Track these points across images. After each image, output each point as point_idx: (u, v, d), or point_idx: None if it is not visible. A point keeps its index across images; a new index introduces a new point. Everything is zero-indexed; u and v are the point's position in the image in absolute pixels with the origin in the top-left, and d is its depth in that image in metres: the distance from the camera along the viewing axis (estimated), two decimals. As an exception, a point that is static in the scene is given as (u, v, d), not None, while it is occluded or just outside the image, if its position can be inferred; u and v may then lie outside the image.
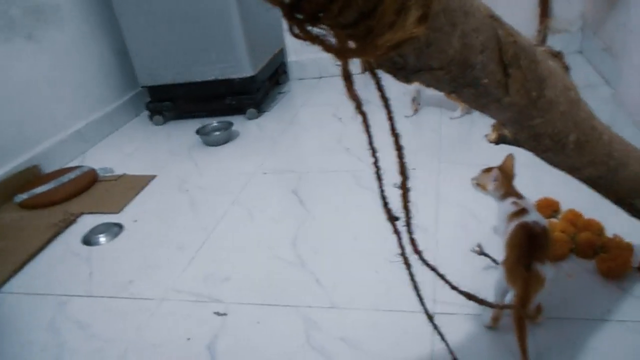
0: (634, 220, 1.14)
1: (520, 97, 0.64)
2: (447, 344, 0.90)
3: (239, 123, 2.46)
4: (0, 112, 2.05)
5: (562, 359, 1.01)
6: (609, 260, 1.17)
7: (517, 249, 1.06)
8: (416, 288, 0.80)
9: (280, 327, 1.22)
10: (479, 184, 1.26)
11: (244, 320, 1.26)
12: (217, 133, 2.34)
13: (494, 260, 1.28)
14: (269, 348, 1.16)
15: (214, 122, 2.44)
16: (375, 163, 0.70)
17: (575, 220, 1.35)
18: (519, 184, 1.63)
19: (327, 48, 0.49)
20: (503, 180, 1.22)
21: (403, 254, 0.80)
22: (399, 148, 0.68)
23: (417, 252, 0.75)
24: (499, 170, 1.23)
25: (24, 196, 1.96)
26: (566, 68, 0.76)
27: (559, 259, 1.26)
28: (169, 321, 1.29)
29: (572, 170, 0.89)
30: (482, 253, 1.31)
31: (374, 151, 0.69)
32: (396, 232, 0.74)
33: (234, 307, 1.31)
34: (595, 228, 1.30)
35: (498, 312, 1.09)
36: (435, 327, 0.86)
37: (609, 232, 1.29)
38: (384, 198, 0.73)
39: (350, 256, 1.43)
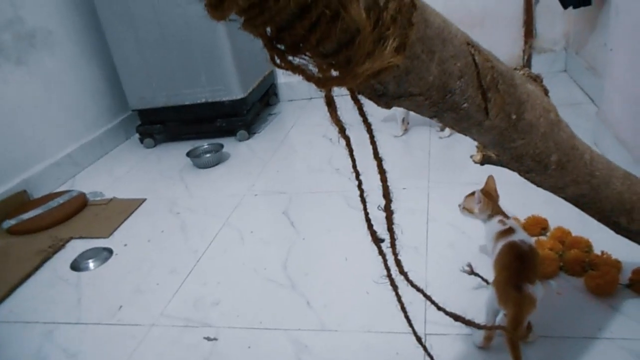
0: (621, 237, 1.15)
1: (500, 120, 0.65)
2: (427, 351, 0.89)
3: (229, 145, 2.47)
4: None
5: (554, 379, 1.00)
6: (598, 278, 1.18)
7: (506, 269, 1.06)
8: (403, 309, 0.80)
9: (271, 351, 1.21)
10: (466, 208, 1.29)
11: (234, 345, 1.24)
12: (208, 155, 2.35)
13: (484, 280, 1.28)
14: (259, 373, 1.15)
15: (204, 144, 2.45)
16: (359, 186, 0.70)
17: (563, 237, 1.36)
18: (507, 202, 1.65)
19: (308, 77, 0.50)
20: (487, 201, 1.24)
21: (389, 276, 0.80)
22: (382, 172, 0.68)
23: (403, 273, 0.75)
24: (482, 192, 1.25)
25: (11, 222, 1.94)
26: (545, 91, 0.78)
27: (548, 277, 1.26)
28: (158, 348, 1.28)
29: (556, 189, 0.90)
30: (472, 273, 1.31)
31: (357, 174, 0.70)
32: (381, 253, 0.74)
33: (224, 331, 1.29)
34: (583, 245, 1.31)
35: (490, 332, 1.09)
36: (425, 349, 0.86)
37: (597, 249, 1.30)
38: (368, 220, 0.74)
39: (341, 277, 1.42)
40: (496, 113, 0.64)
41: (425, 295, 0.80)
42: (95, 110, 2.65)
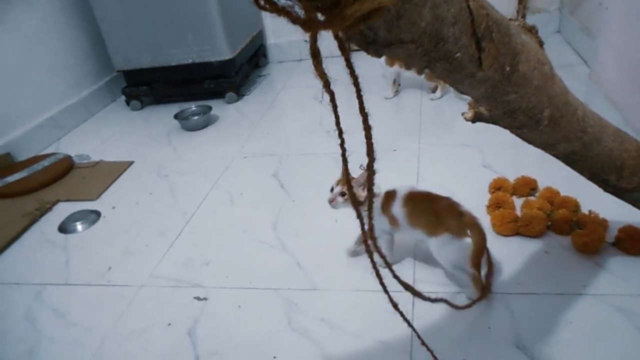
0: (609, 196, 1.15)
1: (494, 71, 0.63)
2: (414, 329, 0.90)
3: (218, 107, 2.43)
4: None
5: (540, 334, 1.02)
6: (584, 236, 1.19)
7: (433, 212, 1.13)
8: (378, 276, 0.79)
9: (261, 310, 1.21)
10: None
11: (224, 305, 1.25)
12: (196, 117, 2.30)
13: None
14: (250, 331, 1.16)
15: (192, 106, 2.40)
16: (342, 144, 0.68)
17: (552, 197, 1.37)
18: (497, 163, 1.65)
19: (294, 20, 0.47)
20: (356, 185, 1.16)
21: (365, 242, 0.79)
22: (367, 128, 0.66)
23: (372, 238, 0.74)
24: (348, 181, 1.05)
25: (-4, 185, 1.91)
26: (540, 43, 0.76)
27: (536, 236, 1.27)
28: (148, 308, 1.28)
29: (547, 146, 0.89)
30: None
31: (340, 131, 0.67)
32: (359, 217, 0.73)
33: (214, 291, 1.30)
34: (572, 205, 1.32)
35: (476, 279, 1.11)
36: (402, 314, 0.86)
37: (585, 209, 1.31)
38: (348, 182, 0.73)
39: (331, 238, 1.42)
40: (490, 64, 0.62)
41: (386, 263, 0.79)
42: (78, 71, 2.57)
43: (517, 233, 1.29)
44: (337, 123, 0.68)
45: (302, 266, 1.34)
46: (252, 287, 1.29)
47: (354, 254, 1.31)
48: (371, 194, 0.73)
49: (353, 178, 1.14)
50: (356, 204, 0.75)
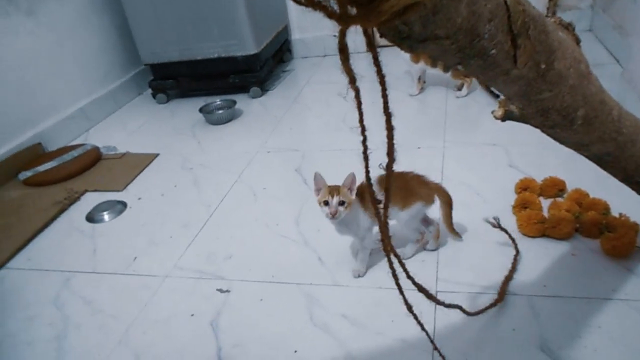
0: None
1: (529, 69, 0.62)
2: (427, 333, 0.90)
3: (242, 101, 2.44)
4: (0, 89, 2.03)
5: (566, 338, 1.00)
6: (614, 240, 1.16)
7: (404, 186, 1.18)
8: (394, 276, 0.78)
9: (283, 304, 1.22)
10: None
11: (246, 298, 1.26)
12: (221, 111, 2.32)
13: (511, 238, 1.26)
14: (271, 324, 1.17)
15: (217, 100, 2.42)
16: (364, 141, 0.67)
17: (580, 199, 1.34)
18: (524, 163, 1.62)
19: (329, 14, 0.47)
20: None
21: (383, 240, 0.78)
22: (389, 128, 0.65)
23: (385, 237, 0.73)
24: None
25: (28, 173, 1.96)
26: (577, 40, 0.74)
27: (564, 238, 1.25)
28: (172, 298, 1.30)
29: (580, 146, 0.87)
30: (498, 226, 1.29)
31: (363, 129, 0.67)
32: (377, 215, 0.72)
33: (237, 284, 1.31)
34: (601, 207, 1.29)
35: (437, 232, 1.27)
36: (415, 317, 0.85)
37: (615, 211, 1.28)
38: (368, 180, 0.71)
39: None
40: (525, 61, 0.61)
41: (400, 260, 0.78)
42: (107, 64, 2.62)
43: (543, 234, 1.27)
44: (361, 120, 0.68)
45: (324, 262, 1.34)
46: (274, 281, 1.30)
47: (356, 273, 1.26)
48: (389, 195, 0.72)
49: (335, 186, 1.18)
50: (374, 202, 0.74)
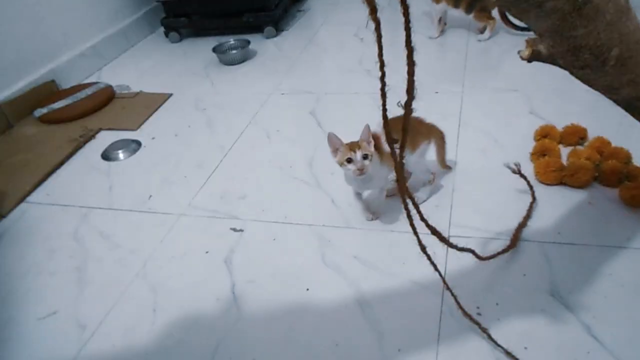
0: (665, 148, 1.09)
1: (565, 1, 0.58)
2: (440, 274, 0.90)
3: (256, 42, 2.38)
4: (12, 26, 1.99)
5: (576, 284, 1.01)
6: (634, 189, 1.14)
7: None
8: (409, 217, 0.78)
9: (295, 244, 1.24)
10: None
11: (259, 237, 1.28)
12: (234, 51, 2.27)
13: (530, 185, 1.24)
14: (284, 263, 1.19)
15: (230, 40, 2.36)
16: (382, 77, 0.65)
17: (602, 147, 1.30)
18: (546, 110, 1.57)
19: None
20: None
21: (398, 181, 0.77)
22: (411, 63, 0.62)
23: (401, 179, 0.72)
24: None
25: (43, 110, 1.96)
26: (617, -28, 0.69)
27: (582, 186, 1.23)
28: (187, 235, 1.32)
29: (609, 90, 0.84)
30: (518, 172, 1.26)
31: (382, 64, 0.64)
32: (393, 155, 0.71)
33: (250, 224, 1.33)
34: (623, 156, 1.26)
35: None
36: (429, 257, 0.86)
37: (638, 161, 1.25)
38: (385, 118, 0.69)
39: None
40: (561, -8, 0.57)
41: (414, 202, 0.77)
42: (118, 1, 2.55)
43: (561, 182, 1.25)
44: (380, 54, 0.65)
45: (337, 204, 1.34)
46: (287, 222, 1.31)
47: (370, 217, 1.27)
48: (405, 135, 0.70)
49: (354, 142, 1.13)
50: (391, 142, 0.72)
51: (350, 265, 1.15)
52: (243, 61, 2.25)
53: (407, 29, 0.56)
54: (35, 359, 1.05)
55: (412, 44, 0.58)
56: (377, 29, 0.58)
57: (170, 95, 2.05)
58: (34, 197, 1.56)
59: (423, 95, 1.76)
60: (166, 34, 2.60)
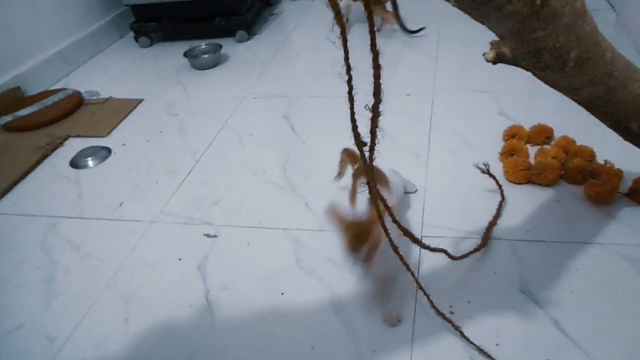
0: (626, 146, 1.13)
1: (524, 4, 0.59)
2: (412, 274, 0.92)
3: (228, 46, 2.37)
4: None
5: (545, 280, 1.03)
6: (598, 186, 1.18)
7: None
8: (381, 219, 0.79)
9: (270, 248, 1.23)
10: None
11: (233, 242, 1.27)
12: (206, 56, 2.25)
13: (498, 185, 1.26)
14: (259, 268, 1.18)
15: (202, 44, 2.34)
16: (349, 81, 0.65)
17: (567, 146, 1.34)
18: (514, 111, 1.60)
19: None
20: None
21: (369, 183, 0.78)
22: (376, 66, 0.63)
23: (371, 181, 0.73)
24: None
25: (8, 118, 1.91)
26: (574, -24, 0.71)
27: (549, 184, 1.26)
28: (159, 242, 1.30)
29: (570, 90, 0.86)
30: (487, 172, 1.28)
31: (349, 68, 0.64)
32: (363, 157, 0.71)
33: (224, 229, 1.31)
34: (587, 154, 1.30)
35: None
36: (401, 258, 0.87)
37: (601, 158, 1.29)
38: (354, 121, 0.69)
39: (341, 182, 1.42)
40: (519, -4, 0.58)
41: (385, 207, 0.79)
42: (86, 4, 2.49)
43: (529, 181, 1.28)
44: (346, 58, 0.65)
45: (310, 207, 1.34)
46: (262, 227, 1.30)
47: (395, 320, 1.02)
48: (374, 136, 0.71)
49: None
50: (360, 146, 0.72)
51: (324, 269, 1.15)
52: (215, 65, 2.23)
53: (372, 32, 0.57)
54: (1, 374, 1.02)
55: (377, 47, 0.59)
56: (342, 32, 0.58)
57: (141, 100, 2.02)
58: (0, 207, 1.52)
59: (394, 97, 1.79)
60: (136, 39, 2.56)
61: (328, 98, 1.85)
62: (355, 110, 0.69)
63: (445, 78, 1.87)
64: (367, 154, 0.72)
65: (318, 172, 1.48)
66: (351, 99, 0.64)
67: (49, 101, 2.00)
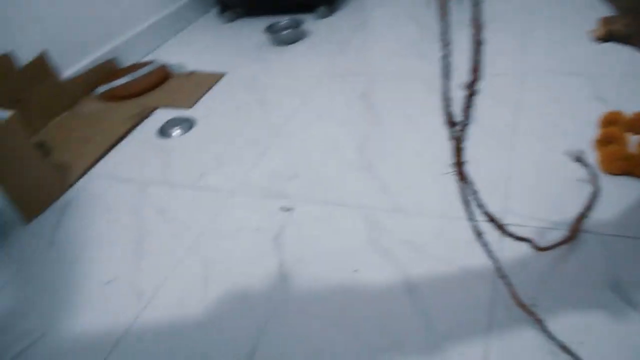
0: None
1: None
2: (494, 261, 0.87)
3: (309, 22, 2.37)
4: (75, 8, 2.08)
5: None
6: None
7: None
8: (466, 203, 0.76)
9: (344, 226, 1.24)
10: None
11: (309, 217, 1.29)
12: (287, 32, 2.27)
13: (591, 174, 1.18)
14: (333, 244, 1.19)
15: (283, 20, 2.36)
16: (446, 56, 0.63)
17: (676, 137, 1.22)
18: (616, 94, 1.47)
19: None
20: None
21: (458, 163, 0.75)
22: (477, 41, 0.60)
23: (459, 163, 0.69)
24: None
25: (104, 88, 2.04)
26: None
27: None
28: (238, 212, 1.35)
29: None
30: (579, 160, 1.20)
31: (446, 42, 0.62)
32: (452, 138, 0.68)
33: (300, 203, 1.34)
34: (699, 147, 1.17)
35: None
36: (484, 244, 0.83)
37: None
38: (446, 99, 0.66)
39: (419, 164, 1.39)
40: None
41: (471, 190, 0.75)
42: (175, -20, 2.60)
43: (627, 172, 1.18)
44: (444, 32, 0.63)
45: (387, 188, 1.33)
46: (337, 204, 1.31)
47: None
48: (467, 116, 0.68)
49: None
50: (451, 124, 0.70)
51: (399, 250, 1.14)
52: (295, 41, 2.24)
53: (477, 3, 0.54)
54: (99, 321, 1.12)
55: (481, 21, 0.56)
56: (443, 5, 0.56)
57: (224, 74, 2.08)
58: (96, 170, 1.64)
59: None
60: (220, 14, 2.63)
61: (408, 79, 1.81)
62: (444, 84, 0.67)
63: (535, 58, 1.75)
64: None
65: (395, 153, 1.45)
66: (446, 74, 0.61)
67: (139, 73, 2.12)
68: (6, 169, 1.38)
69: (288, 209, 1.33)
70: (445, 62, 0.61)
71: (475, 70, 0.58)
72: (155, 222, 1.37)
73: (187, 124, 1.78)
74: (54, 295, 1.21)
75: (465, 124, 0.65)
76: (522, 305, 0.90)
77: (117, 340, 1.06)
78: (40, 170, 1.49)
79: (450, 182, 1.26)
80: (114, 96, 2.02)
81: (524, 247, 1.01)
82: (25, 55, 1.84)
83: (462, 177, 0.72)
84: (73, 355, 1.06)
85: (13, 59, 1.80)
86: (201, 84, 2.04)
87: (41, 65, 1.88)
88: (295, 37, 2.25)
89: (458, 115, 0.67)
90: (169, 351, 1.02)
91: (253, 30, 2.46)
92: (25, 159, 1.44)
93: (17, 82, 1.80)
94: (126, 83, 2.07)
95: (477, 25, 0.54)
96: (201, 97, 1.95)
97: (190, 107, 1.90)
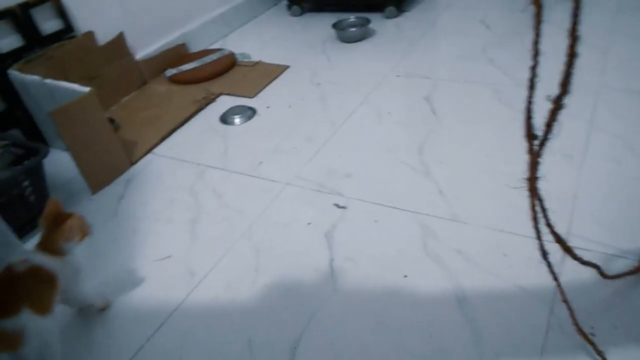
0: None
1: None
2: (558, 284, 0.83)
3: (376, 21, 2.35)
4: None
5: None
6: None
7: None
8: (535, 220, 0.72)
9: (397, 229, 1.23)
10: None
11: (362, 216, 1.28)
12: (353, 29, 2.26)
13: None
14: (384, 246, 1.18)
15: (351, 17, 2.35)
16: (534, 67, 0.61)
17: None
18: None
19: None
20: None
21: (531, 178, 0.72)
22: (572, 54, 0.57)
23: (532, 178, 0.66)
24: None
25: (173, 71, 2.12)
26: None
27: None
28: (291, 204, 1.37)
29: None
30: None
31: (536, 53, 0.60)
32: (531, 152, 0.66)
33: (353, 202, 1.33)
34: None
35: None
36: (549, 264, 0.79)
37: None
38: (529, 110, 0.64)
39: (479, 173, 1.35)
40: None
41: (541, 206, 0.71)
42: (248, -29, 2.65)
43: None
44: (536, 42, 0.61)
45: (444, 194, 1.30)
46: (391, 206, 1.30)
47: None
48: (549, 130, 0.66)
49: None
50: (530, 137, 0.68)
51: (452, 259, 1.12)
52: (361, 39, 2.24)
53: (576, 15, 0.51)
54: (151, 297, 1.16)
55: (577, 33, 0.53)
56: (538, 14, 0.54)
57: (288, 67, 2.11)
58: (159, 149, 1.71)
59: (552, 90, 1.64)
60: (289, 7, 2.66)
61: (475, 84, 1.76)
62: (529, 95, 0.65)
63: (614, 76, 1.66)
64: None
65: (455, 159, 1.42)
66: (532, 87, 0.59)
67: (207, 59, 2.18)
68: (81, 141, 1.46)
69: (341, 207, 1.33)
70: (533, 72, 0.59)
71: (565, 84, 0.56)
72: (211, 205, 1.41)
73: (249, 113, 1.81)
74: (114, 263, 1.27)
75: (545, 138, 0.62)
76: (582, 332, 0.86)
77: (169, 314, 1.10)
78: (111, 145, 1.57)
79: (511, 195, 1.23)
80: (181, 80, 2.08)
81: (586, 273, 0.97)
82: (103, 36, 1.93)
83: (534, 192, 0.69)
84: (128, 323, 1.10)
85: (94, 38, 1.89)
86: (265, 74, 2.07)
87: (118, 46, 1.98)
88: (362, 35, 2.24)
89: (538, 129, 0.65)
90: (215, 332, 1.05)
91: (320, 25, 2.47)
92: (99, 133, 1.52)
93: (97, 59, 1.89)
94: (194, 68, 2.14)
95: (574, 37, 0.51)
96: (264, 87, 1.98)
97: (253, 96, 1.93)
